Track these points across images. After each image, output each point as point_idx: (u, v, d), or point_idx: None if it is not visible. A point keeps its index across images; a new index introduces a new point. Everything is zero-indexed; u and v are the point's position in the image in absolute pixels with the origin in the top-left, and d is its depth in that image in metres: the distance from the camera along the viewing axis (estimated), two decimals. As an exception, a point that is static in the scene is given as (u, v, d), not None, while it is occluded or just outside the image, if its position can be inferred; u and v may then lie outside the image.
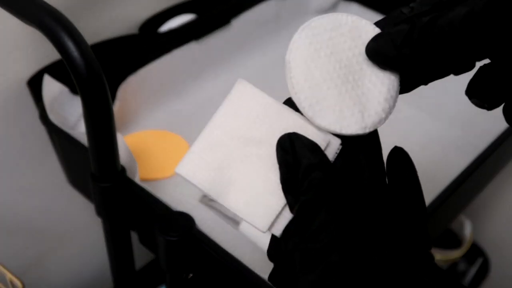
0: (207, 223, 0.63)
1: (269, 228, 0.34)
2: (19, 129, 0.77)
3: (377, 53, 0.34)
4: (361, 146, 0.35)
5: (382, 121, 0.35)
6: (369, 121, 0.35)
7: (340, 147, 0.35)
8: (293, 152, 0.33)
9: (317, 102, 0.34)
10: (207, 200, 0.67)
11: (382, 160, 0.36)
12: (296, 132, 0.34)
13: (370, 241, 0.32)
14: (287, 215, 0.34)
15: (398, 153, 0.36)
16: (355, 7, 0.97)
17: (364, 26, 0.36)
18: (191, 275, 0.64)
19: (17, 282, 0.60)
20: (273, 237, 0.35)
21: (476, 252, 1.09)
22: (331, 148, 0.34)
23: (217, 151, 0.35)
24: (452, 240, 1.04)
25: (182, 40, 0.81)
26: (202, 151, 0.35)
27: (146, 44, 0.78)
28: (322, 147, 0.34)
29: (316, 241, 0.31)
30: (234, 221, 0.65)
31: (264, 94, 0.35)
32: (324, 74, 0.35)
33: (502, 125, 0.73)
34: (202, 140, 0.35)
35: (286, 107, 0.35)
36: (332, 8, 0.98)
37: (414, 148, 0.79)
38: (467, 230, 1.04)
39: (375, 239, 0.32)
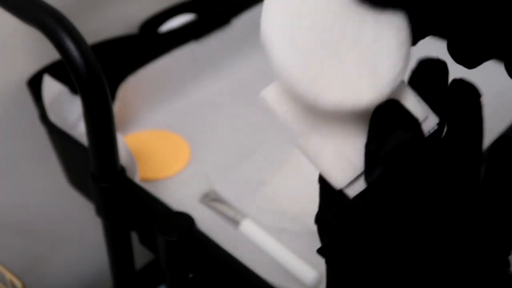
0: (207, 223, 0.63)
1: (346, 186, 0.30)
2: (19, 129, 0.77)
3: None
4: (460, 131, 0.31)
5: (401, 72, 0.29)
6: (385, 79, 0.28)
7: (436, 126, 0.31)
8: (387, 120, 0.29)
9: (315, 79, 0.28)
10: (207, 200, 0.67)
11: (481, 152, 0.32)
12: (398, 100, 0.29)
13: (441, 241, 0.30)
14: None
15: (504, 143, 0.31)
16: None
17: None
18: (191, 275, 0.64)
19: (17, 282, 0.60)
20: (331, 197, 0.31)
21: (476, 252, 1.09)
22: (427, 124, 0.30)
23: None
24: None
25: (182, 40, 0.81)
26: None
27: (146, 44, 0.78)
28: (420, 120, 0.30)
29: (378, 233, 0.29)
30: (234, 221, 0.65)
31: None
32: (313, 43, 0.28)
33: (502, 125, 0.73)
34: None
35: None
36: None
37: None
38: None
39: (446, 240, 0.30)
